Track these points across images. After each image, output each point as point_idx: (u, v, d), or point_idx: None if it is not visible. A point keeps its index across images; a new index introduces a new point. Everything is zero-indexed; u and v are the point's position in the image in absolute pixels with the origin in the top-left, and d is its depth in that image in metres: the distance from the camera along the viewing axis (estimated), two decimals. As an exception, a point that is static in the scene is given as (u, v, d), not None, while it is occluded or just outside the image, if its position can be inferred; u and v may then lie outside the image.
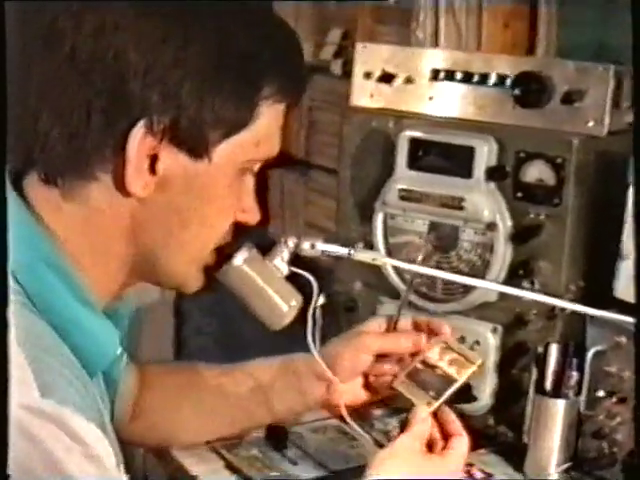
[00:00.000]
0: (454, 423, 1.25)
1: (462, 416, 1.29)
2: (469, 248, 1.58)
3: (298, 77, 1.10)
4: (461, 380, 1.30)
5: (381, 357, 1.42)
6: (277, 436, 1.56)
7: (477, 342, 1.58)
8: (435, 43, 1.96)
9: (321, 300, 1.31)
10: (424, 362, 1.34)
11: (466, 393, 1.48)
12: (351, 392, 1.43)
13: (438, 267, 1.59)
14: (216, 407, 1.47)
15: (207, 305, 2.88)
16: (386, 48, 1.73)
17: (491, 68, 1.59)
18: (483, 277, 1.55)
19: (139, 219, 1.03)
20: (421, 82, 1.67)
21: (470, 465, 1.49)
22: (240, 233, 1.16)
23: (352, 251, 1.36)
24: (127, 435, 1.35)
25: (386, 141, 1.65)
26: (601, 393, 1.46)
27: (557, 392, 1.46)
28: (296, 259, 1.31)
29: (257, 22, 1.04)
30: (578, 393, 1.47)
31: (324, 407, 1.50)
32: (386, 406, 1.62)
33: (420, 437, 1.23)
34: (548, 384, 1.47)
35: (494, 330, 1.57)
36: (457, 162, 1.57)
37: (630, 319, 1.28)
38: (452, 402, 1.30)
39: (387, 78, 1.69)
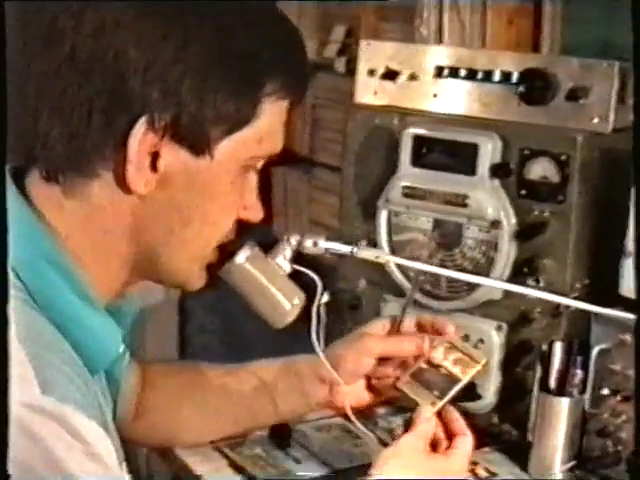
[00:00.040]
0: (458, 422, 1.25)
1: (466, 414, 1.28)
2: (473, 246, 1.57)
3: (301, 74, 1.09)
4: (465, 379, 1.30)
5: (384, 359, 1.41)
6: (281, 434, 1.55)
7: (481, 340, 1.57)
8: (439, 40, 1.96)
9: (325, 298, 1.31)
10: (428, 361, 1.34)
11: (470, 391, 1.47)
12: (354, 394, 1.42)
13: (442, 265, 1.59)
14: (219, 407, 1.47)
15: (210, 303, 2.89)
16: (390, 45, 1.73)
17: (495, 65, 1.59)
18: (487, 275, 1.55)
19: (140, 216, 1.03)
20: (425, 79, 1.66)
21: (474, 464, 1.48)
22: (244, 231, 1.16)
23: (355, 249, 1.36)
24: (129, 434, 1.34)
25: (390, 138, 1.65)
26: (606, 391, 1.46)
27: (561, 390, 1.46)
28: (300, 257, 1.31)
29: (258, 19, 1.04)
30: (583, 391, 1.46)
31: (327, 407, 1.49)
32: (390, 404, 1.62)
33: (424, 437, 1.23)
34: (552, 382, 1.46)
35: (498, 328, 1.57)
36: (461, 159, 1.56)
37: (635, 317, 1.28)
38: (456, 400, 1.29)
39: (391, 75, 1.69)
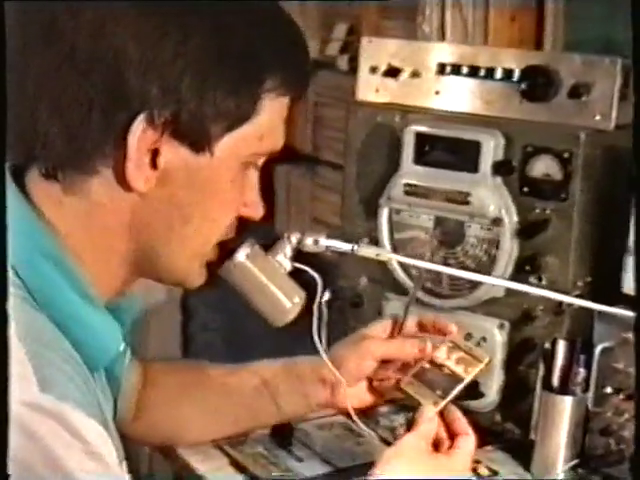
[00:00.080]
0: (461, 422, 1.24)
1: (469, 413, 1.28)
2: (475, 243, 1.57)
3: (302, 70, 1.09)
4: (468, 379, 1.29)
5: (386, 362, 1.41)
6: (282, 433, 1.55)
7: (484, 338, 1.57)
8: (441, 37, 1.96)
9: (326, 296, 1.30)
10: (431, 361, 1.33)
11: (473, 389, 1.47)
12: (356, 396, 1.42)
13: (444, 263, 1.59)
14: (220, 406, 1.47)
15: (213, 301, 2.89)
16: (392, 42, 1.72)
17: (498, 62, 1.59)
18: (489, 273, 1.54)
19: (140, 214, 1.03)
20: (427, 76, 1.66)
21: (477, 462, 1.48)
22: (246, 230, 1.15)
23: (356, 247, 1.35)
24: (130, 433, 1.34)
25: (392, 136, 1.64)
26: (608, 390, 1.46)
27: (564, 389, 1.45)
28: (301, 255, 1.30)
29: (258, 15, 1.03)
30: (585, 390, 1.46)
31: (328, 408, 1.49)
32: (392, 403, 1.61)
33: (426, 436, 1.22)
34: (555, 381, 1.46)
35: (501, 326, 1.57)
36: (463, 157, 1.56)
37: (638, 315, 1.27)
38: (459, 398, 1.29)
39: (393, 72, 1.68)
